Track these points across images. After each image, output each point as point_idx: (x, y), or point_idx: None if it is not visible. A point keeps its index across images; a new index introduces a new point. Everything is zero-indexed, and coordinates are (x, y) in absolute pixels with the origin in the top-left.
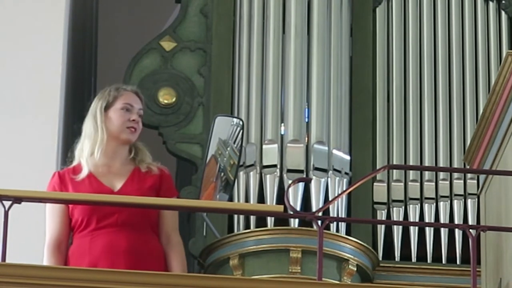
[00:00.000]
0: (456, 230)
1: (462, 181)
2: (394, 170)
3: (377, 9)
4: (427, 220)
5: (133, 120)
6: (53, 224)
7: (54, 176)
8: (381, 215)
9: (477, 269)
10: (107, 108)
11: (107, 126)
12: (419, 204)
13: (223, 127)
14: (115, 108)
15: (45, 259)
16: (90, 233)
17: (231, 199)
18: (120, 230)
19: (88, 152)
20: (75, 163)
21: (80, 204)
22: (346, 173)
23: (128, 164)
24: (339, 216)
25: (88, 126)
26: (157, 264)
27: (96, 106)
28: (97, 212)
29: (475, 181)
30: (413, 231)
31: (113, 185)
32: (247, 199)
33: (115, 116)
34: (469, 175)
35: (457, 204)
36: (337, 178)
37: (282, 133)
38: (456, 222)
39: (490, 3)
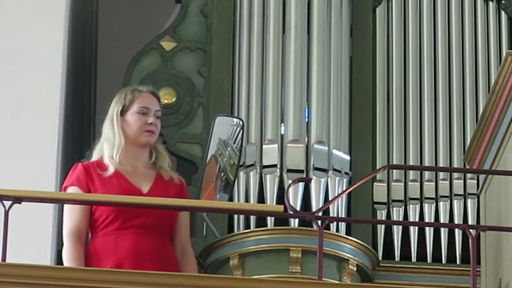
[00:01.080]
0: (456, 230)
1: (462, 181)
2: (394, 170)
3: (377, 9)
4: (427, 220)
5: (150, 123)
6: (76, 215)
7: (78, 167)
8: (381, 215)
9: (477, 269)
10: (123, 112)
11: (125, 130)
12: (419, 204)
13: (223, 127)
14: (132, 112)
15: (69, 248)
16: (114, 231)
17: (231, 199)
18: (145, 232)
19: (108, 155)
20: (95, 159)
21: (80, 204)
22: (346, 173)
23: (150, 168)
24: (339, 216)
25: (106, 129)
26: (174, 270)
27: (113, 110)
28: (124, 211)
29: (475, 181)
30: (413, 231)
31: (141, 186)
32: (247, 199)
33: (132, 120)
34: (469, 175)
35: (457, 204)
36: (337, 178)
37: (282, 133)
38: (456, 222)
39: (490, 3)
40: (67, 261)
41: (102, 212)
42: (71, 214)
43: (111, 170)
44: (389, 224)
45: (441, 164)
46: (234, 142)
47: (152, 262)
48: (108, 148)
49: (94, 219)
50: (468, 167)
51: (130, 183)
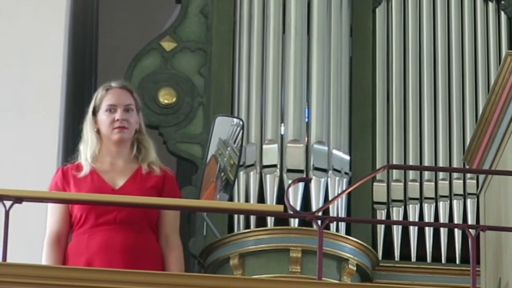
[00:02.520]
0: (456, 229)
1: (461, 181)
2: (394, 170)
3: (377, 10)
4: (426, 220)
5: (117, 120)
6: (54, 219)
7: (58, 172)
8: (381, 215)
9: (477, 269)
10: (96, 111)
11: (100, 129)
12: (418, 204)
13: (223, 127)
14: (102, 111)
15: (45, 252)
16: (88, 230)
17: (231, 199)
18: (118, 228)
19: (83, 156)
20: (78, 160)
21: (80, 204)
22: (346, 173)
23: (131, 163)
24: (339, 216)
25: (84, 129)
26: (154, 264)
27: (89, 110)
28: (96, 209)
29: (475, 181)
30: (413, 231)
31: (115, 182)
32: (247, 199)
33: (102, 119)
34: (468, 175)
35: (456, 204)
36: (337, 178)
37: (282, 133)
38: (455, 222)
39: (490, 3)
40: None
41: (76, 213)
42: (49, 219)
43: (86, 170)
44: (388, 224)
45: (440, 164)
46: (234, 142)
47: (123, 257)
48: (83, 149)
49: (72, 220)
50: (467, 167)
51: (102, 181)
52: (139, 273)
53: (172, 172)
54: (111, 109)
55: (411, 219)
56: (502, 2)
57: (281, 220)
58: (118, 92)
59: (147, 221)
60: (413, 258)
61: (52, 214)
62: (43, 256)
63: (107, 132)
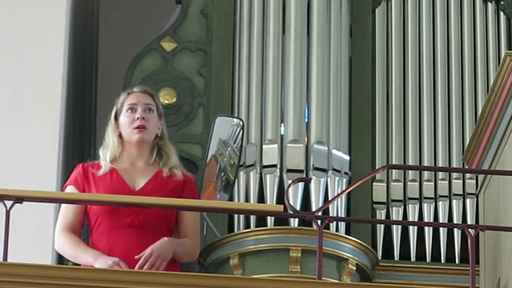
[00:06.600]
0: (455, 229)
1: (461, 181)
2: (394, 170)
3: (377, 10)
4: (426, 220)
5: (137, 119)
6: (69, 213)
7: (78, 167)
8: (381, 214)
9: (476, 269)
10: (118, 115)
11: (122, 133)
12: (418, 204)
13: (223, 127)
14: (123, 113)
15: (64, 239)
16: (106, 232)
17: (231, 199)
18: (136, 231)
19: (102, 158)
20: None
21: (81, 204)
22: (345, 173)
23: (152, 165)
24: (339, 215)
25: (105, 135)
26: (172, 268)
27: (111, 115)
28: (114, 211)
29: (474, 181)
30: (412, 231)
31: (135, 183)
32: (247, 199)
33: (123, 120)
34: (468, 175)
35: (456, 204)
36: (337, 178)
37: (282, 133)
38: (455, 221)
39: (489, 4)
40: (68, 251)
41: (94, 213)
42: (65, 213)
43: (105, 168)
44: (388, 224)
45: (440, 164)
46: (234, 142)
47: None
48: (102, 153)
49: (89, 221)
50: (467, 167)
51: (122, 180)
52: (137, 273)
53: (193, 176)
54: (132, 108)
55: (410, 219)
56: (502, 2)
57: (281, 220)
58: (139, 95)
59: (165, 224)
60: (413, 258)
61: (67, 208)
62: (62, 244)
63: (128, 133)
